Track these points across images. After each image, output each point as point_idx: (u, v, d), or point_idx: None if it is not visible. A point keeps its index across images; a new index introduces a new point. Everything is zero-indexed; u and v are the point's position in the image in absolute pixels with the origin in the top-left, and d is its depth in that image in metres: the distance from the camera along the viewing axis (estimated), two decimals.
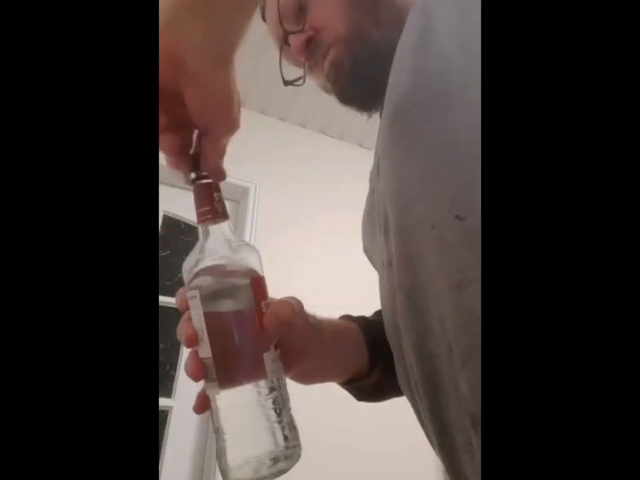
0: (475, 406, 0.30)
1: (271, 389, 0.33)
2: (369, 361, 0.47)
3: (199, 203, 0.35)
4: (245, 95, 2.31)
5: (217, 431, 0.33)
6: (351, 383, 0.48)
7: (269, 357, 0.33)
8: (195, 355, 0.34)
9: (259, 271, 0.35)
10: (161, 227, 1.78)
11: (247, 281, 0.34)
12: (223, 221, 0.35)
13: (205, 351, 0.33)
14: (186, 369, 0.34)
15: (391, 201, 0.39)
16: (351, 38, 0.51)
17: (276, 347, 0.35)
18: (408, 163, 0.37)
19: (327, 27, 0.51)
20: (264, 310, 0.34)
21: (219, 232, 0.35)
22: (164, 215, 1.80)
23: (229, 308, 0.34)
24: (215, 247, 0.34)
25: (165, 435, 1.44)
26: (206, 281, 0.34)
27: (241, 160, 2.05)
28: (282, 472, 0.32)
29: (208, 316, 0.33)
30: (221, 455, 0.32)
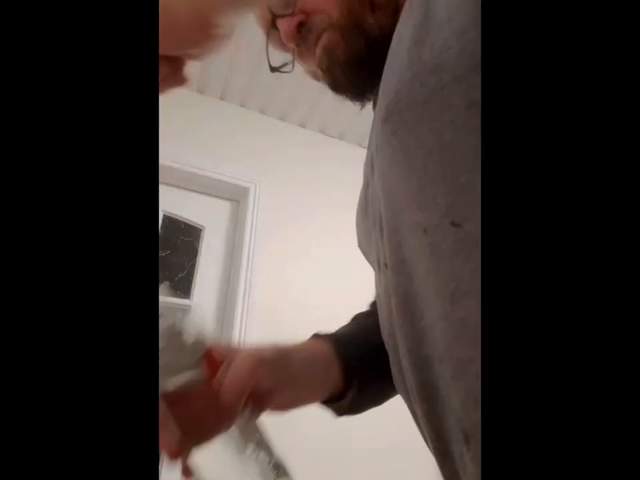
0: (466, 421, 0.29)
1: (252, 447, 0.32)
2: (343, 381, 0.46)
3: None
4: (245, 95, 2.32)
5: None
6: (328, 403, 0.47)
7: (241, 421, 0.33)
8: (165, 438, 0.33)
9: (208, 337, 0.34)
10: (161, 227, 1.78)
11: (199, 355, 0.33)
12: None
13: (174, 431, 0.32)
14: (162, 451, 0.33)
15: (383, 202, 0.38)
16: (344, 22, 0.48)
17: (246, 403, 0.34)
18: (400, 164, 0.36)
19: (319, 11, 0.48)
20: (220, 379, 0.33)
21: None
22: (164, 215, 1.80)
23: (183, 385, 0.33)
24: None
25: None
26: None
27: (241, 160, 2.05)
28: None
29: (166, 397, 0.32)
30: None
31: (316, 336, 0.49)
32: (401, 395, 0.43)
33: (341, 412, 0.49)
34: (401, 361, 0.38)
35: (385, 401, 0.50)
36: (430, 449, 0.38)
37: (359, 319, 0.54)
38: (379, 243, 0.41)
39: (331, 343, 0.47)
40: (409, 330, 0.35)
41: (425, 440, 0.39)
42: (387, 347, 0.43)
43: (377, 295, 0.44)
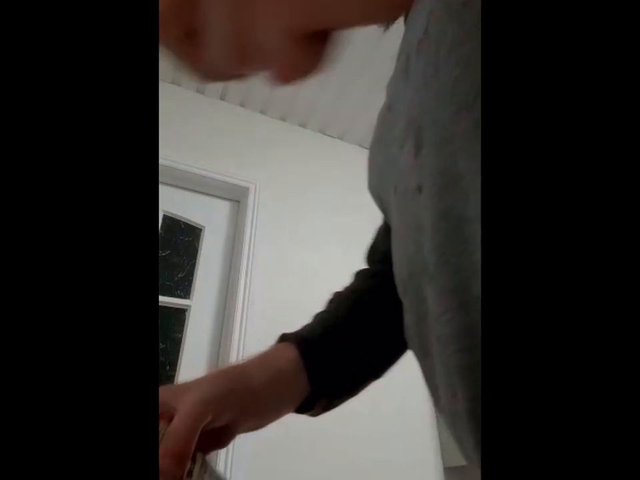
0: None
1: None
2: (312, 390, 0.44)
3: None
4: (245, 95, 2.32)
5: None
6: (301, 411, 0.45)
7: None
8: None
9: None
10: (161, 227, 1.78)
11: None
12: None
13: None
14: None
15: (426, 110, 0.32)
16: None
17: (194, 458, 0.33)
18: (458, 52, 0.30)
19: None
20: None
21: None
22: (164, 215, 1.80)
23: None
24: None
25: None
26: None
27: (241, 160, 2.06)
28: None
29: None
30: None
31: (283, 338, 0.46)
32: (414, 350, 0.38)
33: (315, 415, 0.47)
34: (428, 308, 0.33)
35: (361, 390, 0.48)
36: (462, 445, 0.34)
37: (334, 304, 0.51)
38: (409, 166, 0.35)
39: (298, 348, 0.44)
40: (460, 264, 0.30)
41: (457, 435, 0.34)
42: (400, 293, 0.39)
43: (395, 231, 0.39)
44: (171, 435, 0.33)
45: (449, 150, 0.31)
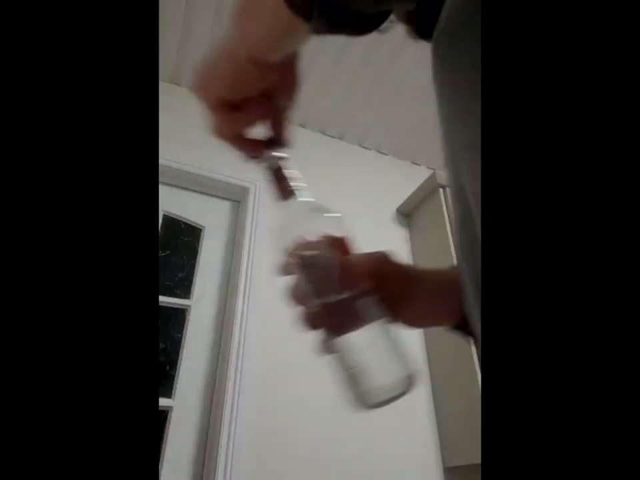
0: None
1: (376, 329, 0.39)
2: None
3: (280, 184, 0.45)
4: None
5: (344, 368, 0.38)
6: (458, 329, 0.48)
7: (365, 303, 0.40)
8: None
9: (337, 233, 0.44)
10: (161, 227, 1.78)
11: (328, 248, 0.42)
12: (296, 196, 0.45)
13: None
14: (303, 322, 0.39)
15: (443, 133, 0.38)
16: None
17: (375, 292, 0.41)
18: (449, 86, 0.35)
19: None
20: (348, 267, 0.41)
21: (299, 205, 0.45)
22: (164, 215, 1.80)
23: (320, 270, 0.41)
24: (296, 220, 0.44)
25: (165, 435, 1.44)
26: (300, 251, 0.41)
27: (241, 160, 2.05)
28: (402, 395, 0.37)
29: (310, 280, 0.40)
30: (350, 387, 0.38)
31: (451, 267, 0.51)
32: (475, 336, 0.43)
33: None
34: (468, 297, 0.38)
35: None
36: None
37: None
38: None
39: None
40: (473, 258, 0.35)
41: None
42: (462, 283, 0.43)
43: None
44: (352, 266, 0.41)
45: (455, 164, 0.36)
